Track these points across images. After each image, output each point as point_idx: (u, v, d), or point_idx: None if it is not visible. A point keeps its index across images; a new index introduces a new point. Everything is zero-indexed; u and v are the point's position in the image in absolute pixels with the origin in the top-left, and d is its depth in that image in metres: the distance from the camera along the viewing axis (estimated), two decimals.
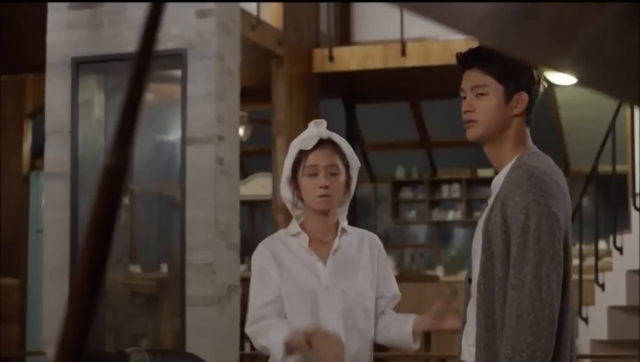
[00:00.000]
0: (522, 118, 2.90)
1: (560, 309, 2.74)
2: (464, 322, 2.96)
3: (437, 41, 9.94)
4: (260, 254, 3.26)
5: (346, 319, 3.19)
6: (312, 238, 3.28)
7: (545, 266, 2.70)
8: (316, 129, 3.28)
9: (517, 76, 2.88)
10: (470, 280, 2.94)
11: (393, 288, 3.35)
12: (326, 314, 3.17)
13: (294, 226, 3.30)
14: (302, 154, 3.27)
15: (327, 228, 3.29)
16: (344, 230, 3.30)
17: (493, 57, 2.86)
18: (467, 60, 2.92)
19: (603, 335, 7.77)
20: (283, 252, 3.26)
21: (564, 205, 2.80)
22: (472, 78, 2.90)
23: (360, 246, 3.31)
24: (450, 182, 13.01)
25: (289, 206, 3.34)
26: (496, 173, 2.93)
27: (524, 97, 2.89)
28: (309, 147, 3.26)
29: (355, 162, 3.33)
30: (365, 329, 3.24)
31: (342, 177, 3.27)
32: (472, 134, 2.90)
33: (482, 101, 2.88)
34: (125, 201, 7.12)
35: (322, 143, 3.27)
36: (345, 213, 3.38)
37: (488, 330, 2.78)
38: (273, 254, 3.24)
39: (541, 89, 2.94)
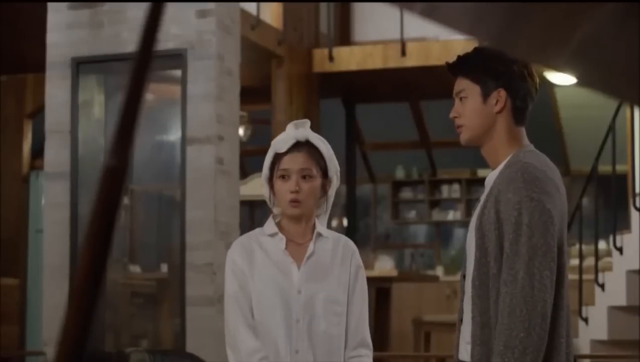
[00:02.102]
0: (506, 115, 2.92)
1: (554, 305, 2.74)
2: (460, 320, 2.96)
3: (437, 41, 9.94)
4: (238, 254, 3.21)
5: (317, 325, 3.15)
6: (287, 240, 3.23)
7: (537, 261, 2.71)
8: (294, 131, 3.23)
9: (494, 75, 2.91)
10: (465, 276, 2.96)
11: (360, 297, 3.26)
12: (296, 318, 3.14)
13: (270, 226, 3.25)
14: (277, 156, 3.23)
15: (301, 231, 3.24)
16: (319, 234, 3.25)
17: (469, 61, 2.92)
18: (453, 68, 3.00)
19: (603, 335, 7.76)
20: (257, 253, 3.20)
21: (559, 202, 2.81)
22: (456, 84, 2.99)
23: (335, 250, 3.26)
24: (450, 182, 13.01)
25: (269, 205, 3.30)
26: None
27: (502, 94, 2.92)
28: (284, 149, 3.21)
29: (334, 165, 3.27)
30: (337, 335, 3.19)
31: (317, 181, 3.21)
32: (462, 138, 3.00)
33: (464, 105, 2.96)
34: (125, 201, 7.12)
35: (298, 146, 3.21)
36: (326, 217, 3.33)
37: (483, 326, 2.79)
38: (248, 254, 3.20)
39: (531, 85, 2.95)
